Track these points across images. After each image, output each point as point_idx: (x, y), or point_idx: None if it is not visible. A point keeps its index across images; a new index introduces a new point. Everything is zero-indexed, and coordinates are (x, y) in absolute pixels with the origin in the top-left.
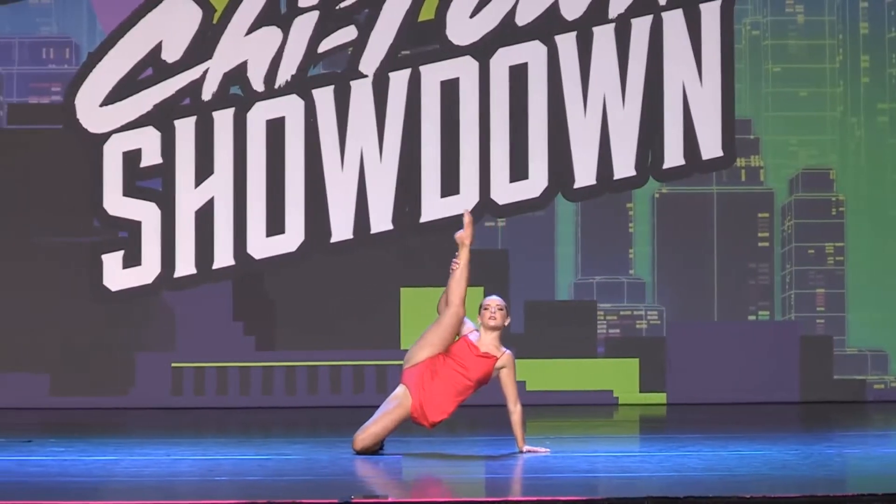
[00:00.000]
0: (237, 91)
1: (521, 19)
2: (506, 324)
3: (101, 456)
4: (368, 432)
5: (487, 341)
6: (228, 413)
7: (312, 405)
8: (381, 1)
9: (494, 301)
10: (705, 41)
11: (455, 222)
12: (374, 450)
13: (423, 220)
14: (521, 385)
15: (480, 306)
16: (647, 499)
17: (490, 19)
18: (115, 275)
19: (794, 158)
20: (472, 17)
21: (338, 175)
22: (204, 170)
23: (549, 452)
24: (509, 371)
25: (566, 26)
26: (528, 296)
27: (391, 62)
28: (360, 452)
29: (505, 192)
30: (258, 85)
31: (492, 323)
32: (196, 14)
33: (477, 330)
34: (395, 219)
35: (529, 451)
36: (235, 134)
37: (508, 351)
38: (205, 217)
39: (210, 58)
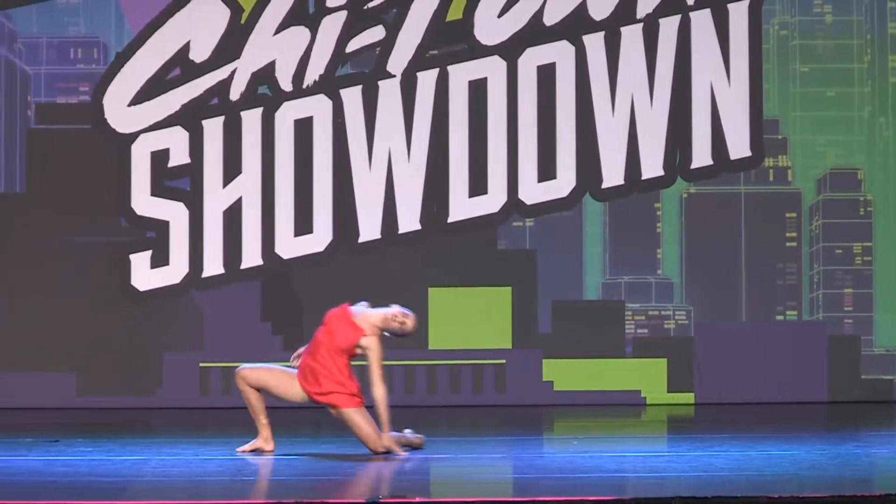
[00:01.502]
0: (265, 91)
1: (549, 19)
2: (386, 333)
3: (129, 456)
4: (255, 368)
5: (368, 322)
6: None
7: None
8: (409, 1)
9: (411, 319)
10: (733, 41)
11: (484, 222)
12: (248, 394)
13: (450, 220)
14: (548, 385)
15: (391, 315)
16: (675, 499)
17: (518, 19)
18: (144, 275)
19: (821, 158)
20: (499, 16)
21: (366, 175)
22: (232, 169)
23: (422, 442)
24: (373, 355)
25: (594, 26)
26: (556, 296)
27: (419, 62)
28: (237, 384)
29: (533, 191)
30: (286, 85)
31: (393, 325)
32: (224, 14)
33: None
34: (423, 219)
35: (400, 442)
36: (263, 134)
37: (377, 337)
38: (233, 217)
39: (238, 57)
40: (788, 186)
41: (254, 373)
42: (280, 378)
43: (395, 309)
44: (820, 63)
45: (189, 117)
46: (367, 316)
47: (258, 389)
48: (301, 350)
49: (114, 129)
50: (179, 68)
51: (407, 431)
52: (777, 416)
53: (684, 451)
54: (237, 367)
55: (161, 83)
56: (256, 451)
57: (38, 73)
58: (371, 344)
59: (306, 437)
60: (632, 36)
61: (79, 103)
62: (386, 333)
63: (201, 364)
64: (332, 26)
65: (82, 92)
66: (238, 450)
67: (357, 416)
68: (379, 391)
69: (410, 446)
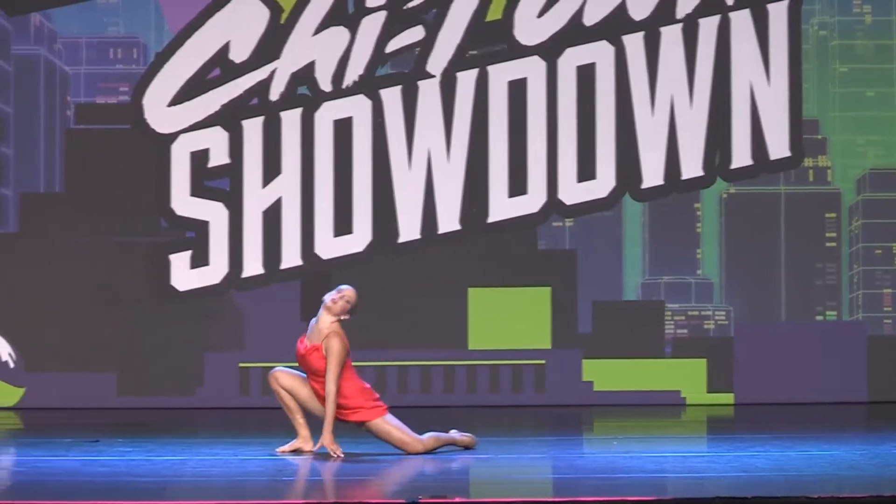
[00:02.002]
0: (305, 91)
1: (589, 19)
2: (343, 317)
3: (169, 456)
4: (290, 374)
5: (318, 329)
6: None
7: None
8: (448, 1)
9: (345, 293)
10: (773, 41)
11: (523, 222)
12: (282, 394)
13: (490, 220)
14: (588, 385)
15: (329, 306)
16: (715, 499)
17: (558, 19)
18: (183, 275)
19: (861, 158)
20: (539, 17)
21: (405, 175)
22: (272, 170)
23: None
24: (331, 354)
25: (634, 26)
26: (596, 296)
27: (459, 62)
28: (271, 384)
29: (572, 192)
30: (326, 85)
31: (337, 310)
32: (264, 14)
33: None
34: (463, 219)
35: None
36: (303, 134)
37: (333, 335)
38: (272, 217)
39: (278, 58)
40: (828, 186)
41: (288, 378)
42: (311, 393)
43: (327, 299)
44: (859, 63)
45: (229, 117)
46: (315, 326)
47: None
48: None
49: (153, 130)
50: (219, 68)
51: (453, 432)
52: (816, 417)
53: (724, 452)
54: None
55: (201, 83)
56: (296, 452)
57: (78, 74)
58: (329, 344)
59: (346, 437)
60: (672, 36)
61: (118, 103)
62: (344, 318)
63: (241, 364)
64: (371, 26)
65: (122, 92)
66: (278, 450)
67: (387, 425)
68: (330, 387)
69: (459, 445)
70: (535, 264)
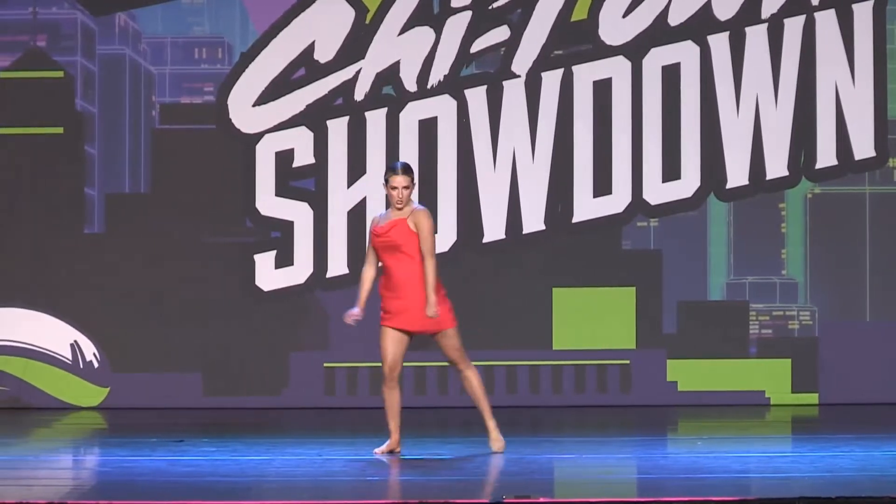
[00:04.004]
0: (390, 91)
1: (674, 19)
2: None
3: (254, 456)
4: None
5: (397, 213)
6: (381, 413)
7: (464, 405)
8: (533, 1)
9: (400, 178)
10: (858, 41)
11: (608, 222)
12: (396, 395)
13: (575, 220)
14: (673, 385)
15: (385, 180)
16: (799, 499)
17: (643, 19)
18: (268, 275)
19: None
20: (624, 16)
21: (490, 175)
22: (356, 170)
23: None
24: (422, 226)
25: (719, 26)
26: (681, 296)
27: (544, 62)
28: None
29: (657, 192)
30: (411, 85)
31: (399, 205)
32: (349, 14)
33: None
34: (548, 219)
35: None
36: (388, 134)
37: (419, 207)
38: (357, 217)
39: (363, 58)
40: None
41: (382, 356)
42: (391, 344)
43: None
44: None
45: (314, 117)
46: (389, 213)
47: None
48: (355, 311)
49: (238, 130)
50: (304, 68)
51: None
52: None
53: (809, 452)
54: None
55: (286, 83)
56: (390, 453)
57: (163, 74)
58: (419, 219)
59: (431, 437)
60: (757, 36)
61: (203, 103)
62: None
63: (326, 364)
64: (456, 26)
65: (207, 92)
66: (375, 451)
67: (458, 338)
68: (430, 260)
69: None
70: (620, 264)
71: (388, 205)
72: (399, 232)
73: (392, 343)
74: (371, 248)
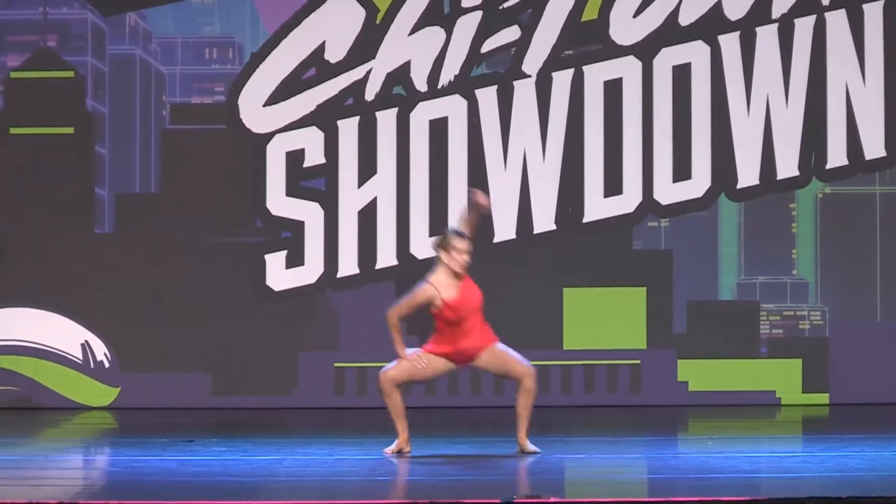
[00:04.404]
0: (400, 91)
1: (685, 19)
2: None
3: (264, 456)
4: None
5: (455, 282)
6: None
7: (475, 405)
8: (544, 1)
9: (467, 245)
10: (868, 41)
11: (618, 222)
12: (395, 397)
13: (585, 220)
14: (683, 385)
15: (448, 244)
16: (809, 499)
17: (653, 19)
18: (279, 274)
19: None
20: (635, 16)
21: (501, 175)
22: (367, 170)
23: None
24: None
25: (729, 26)
26: (691, 296)
27: (554, 62)
28: (384, 386)
29: (668, 191)
30: (421, 85)
31: (461, 269)
32: (359, 14)
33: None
34: (558, 219)
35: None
36: (398, 134)
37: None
38: (368, 217)
39: (373, 58)
40: None
41: (398, 371)
42: (415, 368)
43: (455, 263)
44: None
45: (324, 117)
46: (458, 282)
47: (404, 385)
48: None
49: (249, 130)
50: (315, 68)
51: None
52: None
53: (819, 452)
54: (376, 367)
55: (296, 83)
56: (399, 453)
57: (173, 73)
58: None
59: (440, 437)
60: (767, 36)
61: (214, 103)
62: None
63: (336, 364)
64: (467, 26)
65: (217, 92)
66: (385, 450)
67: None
68: None
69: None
70: (631, 264)
71: (439, 263)
72: (477, 295)
73: (434, 373)
74: (413, 310)
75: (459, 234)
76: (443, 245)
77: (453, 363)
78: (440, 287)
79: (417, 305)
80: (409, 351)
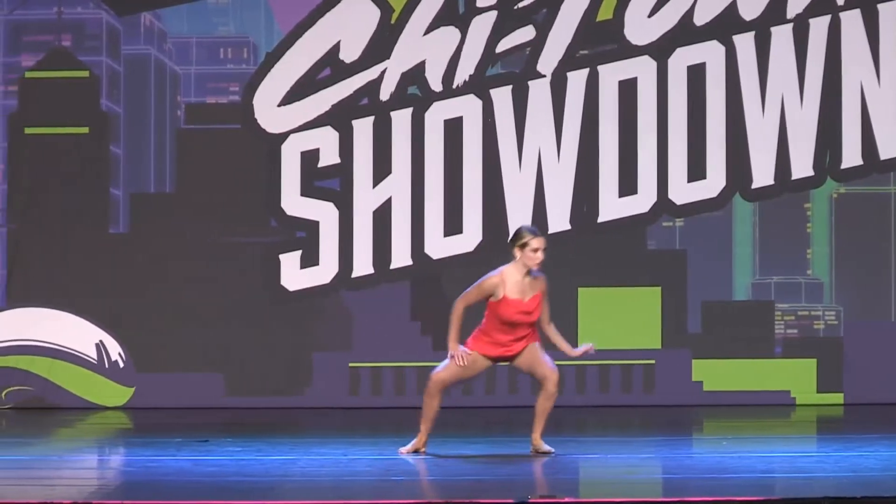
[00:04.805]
0: (415, 91)
1: (700, 19)
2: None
3: (278, 456)
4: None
5: (527, 284)
6: (405, 413)
7: (489, 405)
8: (559, 1)
9: (541, 240)
10: (883, 41)
11: (633, 222)
12: (436, 401)
13: (600, 219)
14: (698, 385)
15: (522, 241)
16: (824, 499)
17: (668, 19)
18: (293, 274)
19: None
20: (650, 16)
21: (515, 175)
22: (382, 170)
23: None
24: (546, 294)
25: (744, 26)
26: (706, 296)
27: (569, 62)
28: (432, 389)
29: (683, 191)
30: (436, 85)
31: (535, 267)
32: (374, 14)
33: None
34: (573, 219)
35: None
36: (413, 134)
37: (542, 275)
38: (382, 217)
39: (388, 58)
40: None
41: (449, 374)
42: (461, 369)
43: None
44: None
45: (339, 117)
46: (521, 281)
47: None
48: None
49: (264, 129)
50: (329, 68)
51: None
52: None
53: (833, 452)
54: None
55: (311, 83)
56: (415, 452)
57: (188, 73)
58: (545, 287)
59: (455, 437)
60: (782, 36)
61: (228, 103)
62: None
63: (350, 364)
64: (482, 26)
65: (232, 92)
66: (400, 450)
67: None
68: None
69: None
70: (645, 264)
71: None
72: (538, 309)
73: (476, 374)
74: (480, 297)
75: (533, 232)
76: (517, 241)
77: (493, 362)
78: (508, 280)
79: (484, 293)
80: (461, 348)
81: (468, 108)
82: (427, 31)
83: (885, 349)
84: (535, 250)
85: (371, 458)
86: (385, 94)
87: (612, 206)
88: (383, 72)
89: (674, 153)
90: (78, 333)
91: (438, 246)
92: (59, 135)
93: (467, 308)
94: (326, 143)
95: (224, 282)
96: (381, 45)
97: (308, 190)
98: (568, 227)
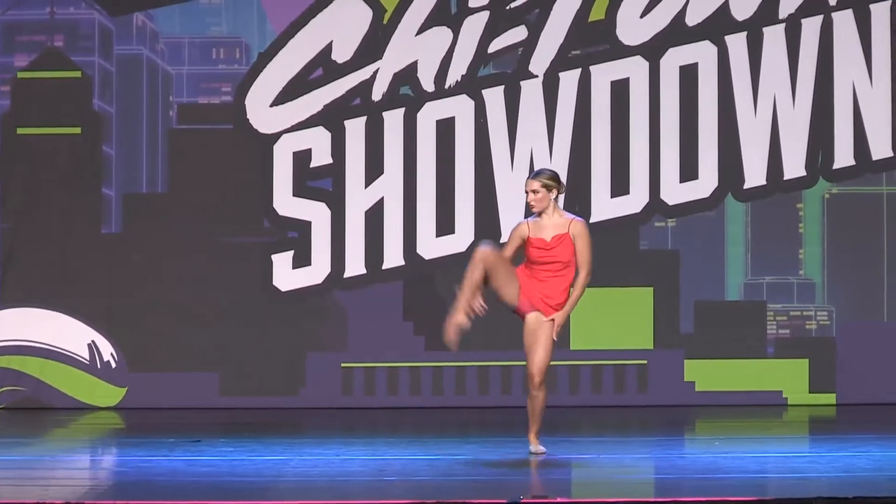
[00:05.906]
0: (407, 91)
1: (692, 19)
2: (553, 197)
3: (271, 456)
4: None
5: (548, 223)
6: (398, 413)
7: (482, 405)
8: (551, 1)
9: (530, 182)
10: (875, 41)
11: (625, 222)
12: (478, 274)
13: (593, 220)
14: (690, 385)
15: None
16: (816, 499)
17: (660, 19)
18: (285, 275)
19: None
20: (642, 17)
21: (508, 175)
22: (374, 170)
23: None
24: (583, 236)
25: (736, 26)
26: (698, 296)
27: (561, 62)
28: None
29: (675, 192)
30: (428, 85)
31: (535, 209)
32: (366, 14)
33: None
34: None
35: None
36: (405, 134)
37: (579, 220)
38: (375, 217)
39: (380, 58)
40: None
41: (496, 258)
42: (507, 279)
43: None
44: None
45: (331, 117)
46: (536, 223)
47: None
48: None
49: (256, 130)
50: (322, 68)
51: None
52: None
53: (826, 452)
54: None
55: (303, 83)
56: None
57: (181, 74)
58: (579, 230)
59: (450, 437)
60: (774, 36)
61: (221, 103)
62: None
63: (343, 364)
64: (474, 26)
65: (224, 92)
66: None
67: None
68: (585, 273)
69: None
70: (638, 264)
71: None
72: (564, 248)
73: (506, 278)
74: (513, 247)
75: (531, 175)
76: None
77: (515, 300)
78: (532, 226)
79: (513, 244)
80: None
81: (460, 108)
82: (419, 32)
83: (877, 349)
84: (527, 192)
85: (365, 458)
86: (377, 94)
87: (604, 207)
88: (375, 72)
89: (666, 153)
90: (70, 333)
91: (431, 246)
92: (52, 135)
93: (501, 260)
94: (319, 144)
95: (216, 282)
96: (373, 46)
97: (300, 190)
98: None
